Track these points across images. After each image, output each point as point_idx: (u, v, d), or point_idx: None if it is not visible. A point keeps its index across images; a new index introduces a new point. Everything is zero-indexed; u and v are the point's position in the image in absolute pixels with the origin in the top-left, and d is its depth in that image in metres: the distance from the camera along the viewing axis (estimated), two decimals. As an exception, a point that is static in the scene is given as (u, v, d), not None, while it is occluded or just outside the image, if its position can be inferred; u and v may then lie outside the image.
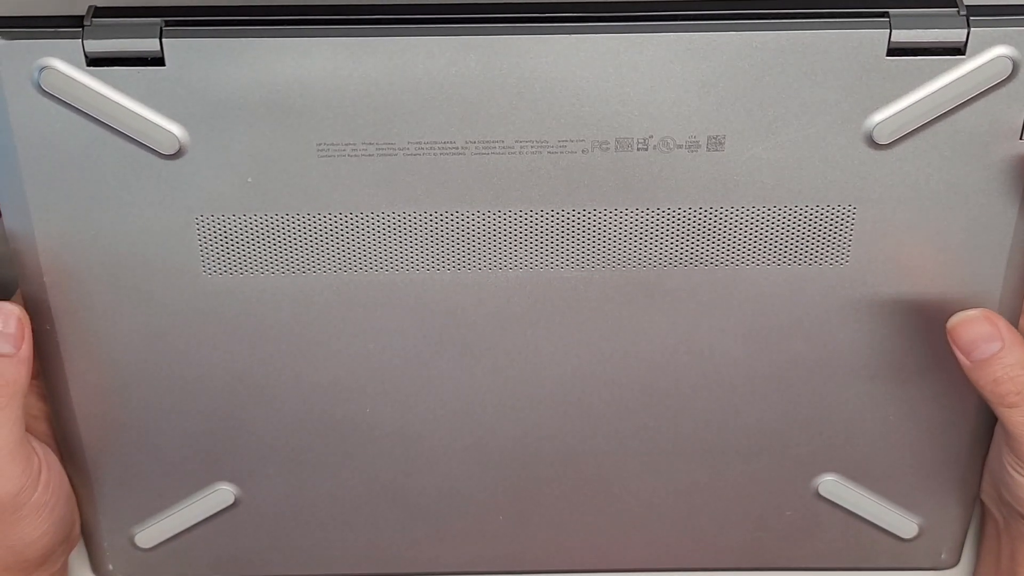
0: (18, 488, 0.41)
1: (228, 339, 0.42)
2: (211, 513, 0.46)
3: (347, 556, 0.48)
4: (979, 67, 0.37)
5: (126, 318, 0.41)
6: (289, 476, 0.45)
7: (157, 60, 0.37)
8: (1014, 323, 0.42)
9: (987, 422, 0.44)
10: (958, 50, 0.37)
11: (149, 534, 0.47)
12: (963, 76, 0.37)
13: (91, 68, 0.37)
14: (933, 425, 0.44)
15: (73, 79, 0.37)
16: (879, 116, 0.38)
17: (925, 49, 0.37)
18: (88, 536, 0.47)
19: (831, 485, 0.46)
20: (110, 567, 0.48)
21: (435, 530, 0.47)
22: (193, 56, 0.37)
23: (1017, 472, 0.42)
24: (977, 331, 0.39)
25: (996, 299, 0.41)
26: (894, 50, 0.37)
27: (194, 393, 0.43)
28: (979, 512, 0.49)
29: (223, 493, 0.46)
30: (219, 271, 0.41)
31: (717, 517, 0.47)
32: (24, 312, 0.40)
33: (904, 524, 0.47)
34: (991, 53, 0.37)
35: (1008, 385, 0.39)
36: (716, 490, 0.46)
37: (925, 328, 0.42)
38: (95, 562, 0.48)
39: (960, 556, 0.48)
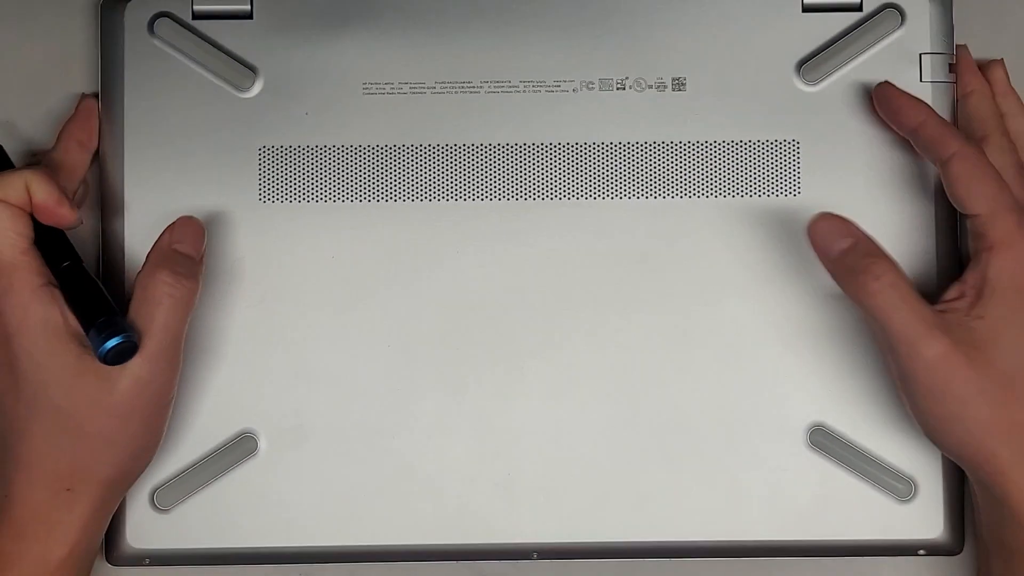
0: (175, 378, 0.45)
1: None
2: (232, 467, 0.48)
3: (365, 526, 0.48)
4: (874, 18, 0.48)
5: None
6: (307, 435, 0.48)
7: (246, 15, 0.48)
8: (951, 252, 0.48)
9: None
10: (858, 6, 0.49)
11: (168, 493, 0.48)
12: (863, 27, 0.48)
13: (195, 21, 0.48)
14: None
15: (179, 28, 0.48)
16: (803, 61, 0.48)
17: (832, 6, 0.49)
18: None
19: (823, 434, 0.48)
20: (127, 532, 0.48)
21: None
22: (275, 10, 0.48)
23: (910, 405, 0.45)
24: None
25: (932, 227, 0.48)
26: (807, 7, 0.49)
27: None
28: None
29: (248, 440, 0.48)
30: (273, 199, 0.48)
31: (711, 488, 0.48)
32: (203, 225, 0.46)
33: (899, 482, 0.48)
34: (882, 5, 0.48)
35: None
36: (706, 460, 0.48)
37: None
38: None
39: (963, 536, 0.49)
